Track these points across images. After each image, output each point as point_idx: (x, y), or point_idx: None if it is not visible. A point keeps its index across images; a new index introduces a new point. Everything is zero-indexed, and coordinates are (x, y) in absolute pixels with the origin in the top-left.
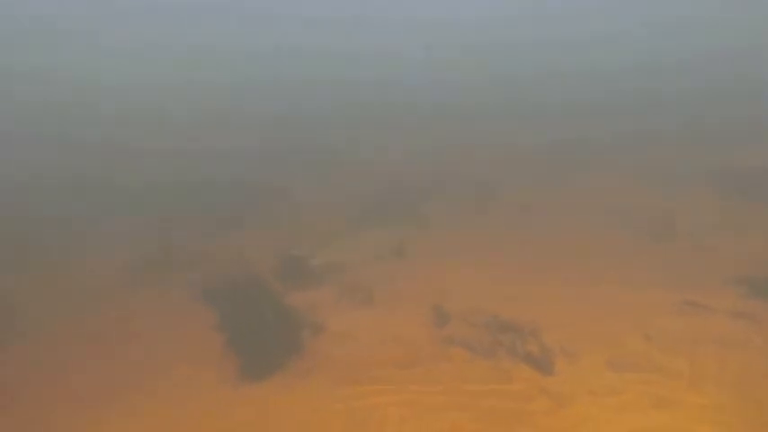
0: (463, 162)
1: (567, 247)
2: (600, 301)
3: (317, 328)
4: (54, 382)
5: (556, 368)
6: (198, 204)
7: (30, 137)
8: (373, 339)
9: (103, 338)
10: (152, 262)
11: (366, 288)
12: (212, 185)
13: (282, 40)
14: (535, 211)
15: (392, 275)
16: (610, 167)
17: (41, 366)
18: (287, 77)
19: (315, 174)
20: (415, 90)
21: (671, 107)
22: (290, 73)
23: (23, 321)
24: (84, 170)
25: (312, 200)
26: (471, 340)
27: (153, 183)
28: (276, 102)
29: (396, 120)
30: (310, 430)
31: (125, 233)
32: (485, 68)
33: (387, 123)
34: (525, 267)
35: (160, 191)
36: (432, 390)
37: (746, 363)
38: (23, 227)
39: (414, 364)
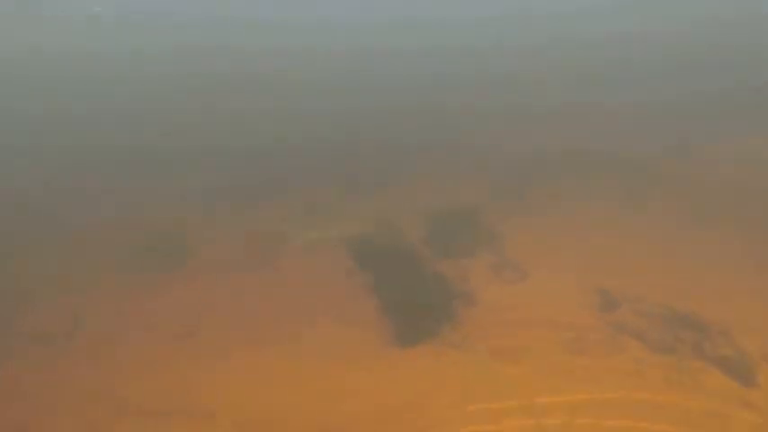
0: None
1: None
2: None
3: (471, 300)
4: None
5: (758, 379)
6: (341, 164)
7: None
8: (532, 318)
9: (258, 287)
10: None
11: (523, 262)
12: (356, 146)
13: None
14: (705, 184)
15: (551, 249)
16: None
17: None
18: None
19: (454, 138)
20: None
21: None
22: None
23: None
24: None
25: (452, 167)
26: (645, 332)
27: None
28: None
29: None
30: (459, 399)
31: (278, 190)
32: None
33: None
34: (703, 253)
35: (306, 151)
36: (606, 387)
37: None
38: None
39: (581, 352)
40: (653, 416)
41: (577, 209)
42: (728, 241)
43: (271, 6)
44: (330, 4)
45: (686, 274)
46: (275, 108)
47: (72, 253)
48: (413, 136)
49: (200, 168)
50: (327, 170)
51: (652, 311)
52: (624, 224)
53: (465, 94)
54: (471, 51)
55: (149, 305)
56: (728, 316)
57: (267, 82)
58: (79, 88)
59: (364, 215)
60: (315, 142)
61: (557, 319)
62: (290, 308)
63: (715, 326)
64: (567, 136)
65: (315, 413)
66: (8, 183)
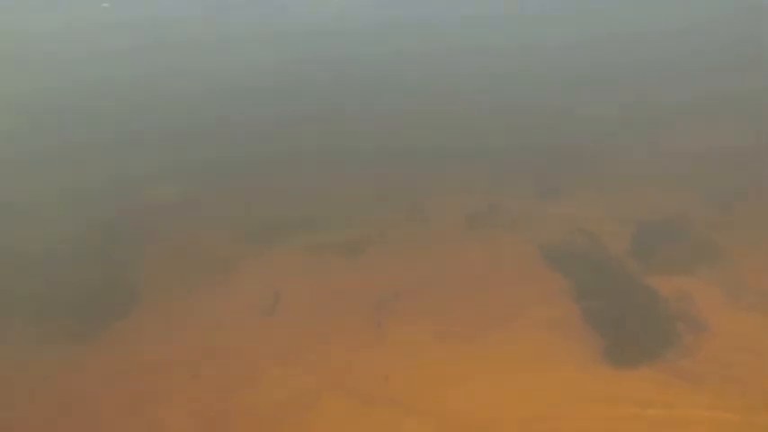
0: None
1: None
2: None
3: (697, 325)
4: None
5: None
6: (522, 166)
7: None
8: None
9: (448, 281)
10: (478, 217)
11: (756, 283)
12: (529, 150)
13: None
14: None
15: None
16: None
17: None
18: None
19: (638, 141)
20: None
21: None
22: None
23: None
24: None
25: (639, 169)
26: None
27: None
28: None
29: None
30: None
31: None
32: None
33: None
34: None
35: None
36: None
37: None
38: None
39: None
40: None
41: None
42: None
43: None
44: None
45: None
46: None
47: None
48: (598, 136)
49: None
50: (515, 170)
51: None
52: None
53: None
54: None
55: (337, 286)
56: None
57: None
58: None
59: (557, 218)
60: (507, 142)
61: None
62: (485, 305)
63: None
64: None
65: (518, 421)
66: None
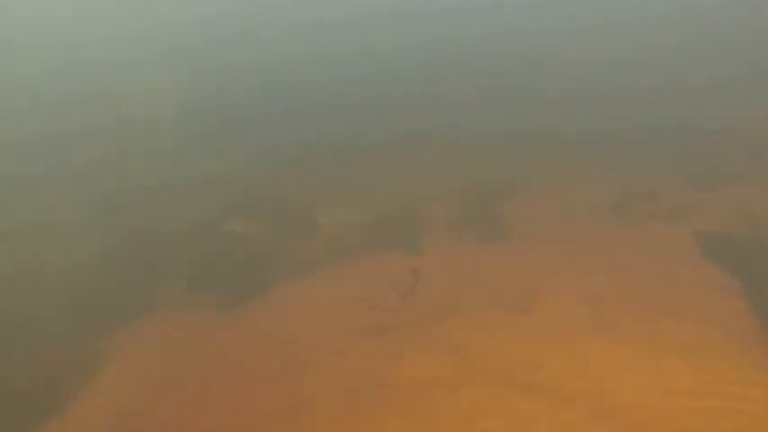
0: None
1: None
2: None
3: None
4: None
5: None
6: (671, 149)
7: None
8: None
9: (597, 268)
10: (628, 203)
11: None
12: (687, 131)
13: None
14: None
15: None
16: None
17: None
18: None
19: None
20: None
21: None
22: None
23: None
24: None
25: None
26: None
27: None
28: None
29: None
30: None
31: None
32: None
33: None
34: None
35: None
36: None
37: None
38: None
39: None
40: None
41: None
42: None
43: None
44: None
45: None
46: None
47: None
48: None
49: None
50: (669, 158)
51: None
52: None
53: None
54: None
55: (483, 272)
56: None
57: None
58: None
59: (714, 205)
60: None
61: None
62: (639, 295)
63: None
64: None
65: (676, 419)
66: None
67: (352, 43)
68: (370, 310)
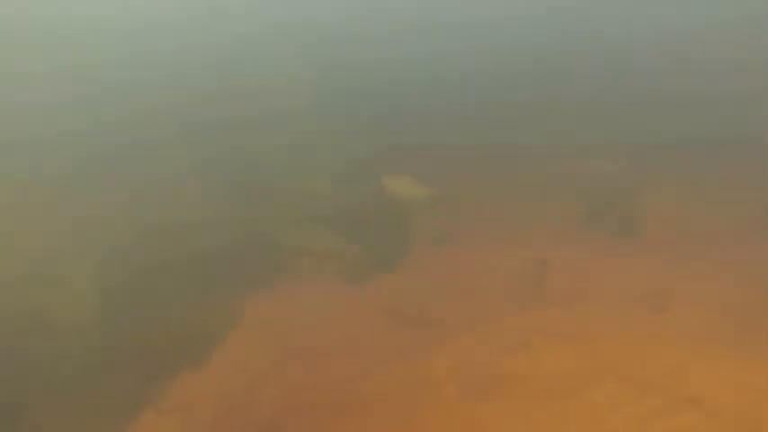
0: None
1: None
2: None
3: None
4: None
5: None
6: None
7: None
8: None
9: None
10: None
11: None
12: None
13: None
14: None
15: None
16: None
17: None
18: None
19: None
20: None
21: None
22: None
23: None
24: None
25: None
26: None
27: None
28: None
29: None
30: None
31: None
32: None
33: None
34: None
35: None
36: None
37: None
38: None
39: None
40: None
41: None
42: None
43: None
44: None
45: None
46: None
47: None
48: None
49: None
50: None
51: None
52: None
53: None
54: None
55: (614, 269)
56: None
57: None
58: None
59: None
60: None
61: None
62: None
63: None
64: None
65: None
66: None
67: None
68: (498, 297)
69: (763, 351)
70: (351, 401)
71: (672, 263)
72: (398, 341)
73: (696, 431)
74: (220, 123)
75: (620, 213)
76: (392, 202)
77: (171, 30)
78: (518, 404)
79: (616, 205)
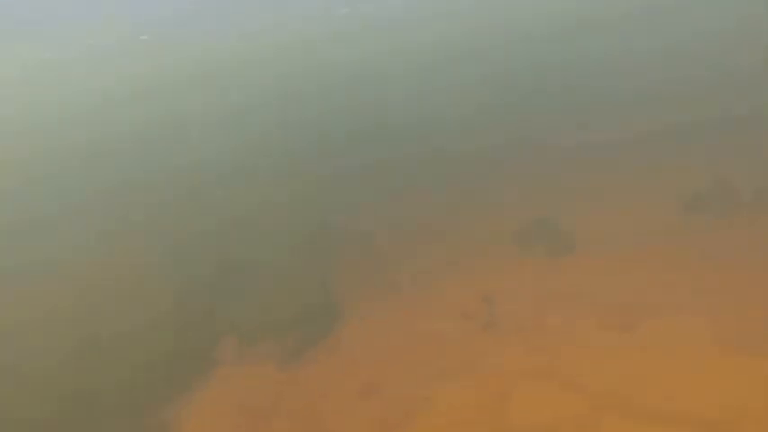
0: None
1: None
2: None
3: None
4: None
5: None
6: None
7: None
8: None
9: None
10: None
11: None
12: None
13: None
14: None
15: None
16: None
17: None
18: None
19: None
20: None
21: None
22: None
23: None
24: None
25: None
26: None
27: None
28: None
29: None
30: None
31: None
32: None
33: None
34: None
35: None
36: None
37: None
38: None
39: None
40: None
41: None
42: None
43: None
44: None
45: None
46: None
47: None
48: None
49: None
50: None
51: None
52: None
53: None
54: None
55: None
56: None
57: None
58: None
59: None
60: None
61: None
62: (756, 299)
63: None
64: None
65: None
66: None
67: None
68: (447, 347)
69: (747, 349)
70: None
71: (618, 273)
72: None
73: None
74: None
75: (549, 234)
76: None
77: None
78: None
79: (543, 227)
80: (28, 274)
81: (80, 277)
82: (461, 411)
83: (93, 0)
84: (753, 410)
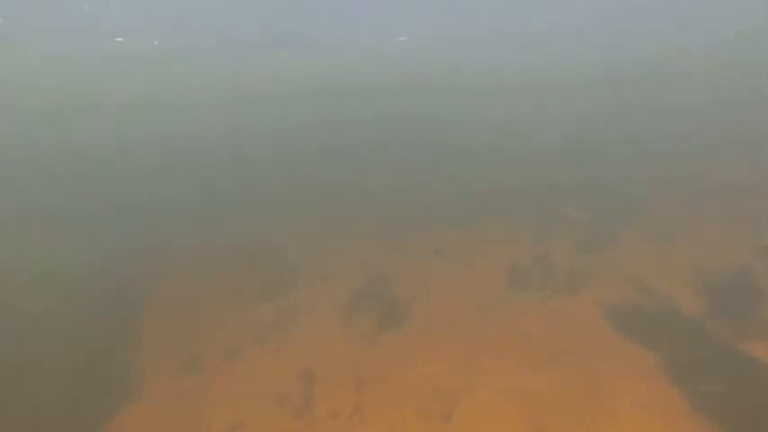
0: None
1: None
2: None
3: None
4: None
5: None
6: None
7: None
8: None
9: None
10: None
11: None
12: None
13: None
14: None
15: None
16: None
17: None
18: None
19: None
20: None
21: None
22: None
23: None
24: None
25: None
26: None
27: None
28: None
29: None
30: None
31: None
32: None
33: None
34: None
35: None
36: None
37: None
38: None
39: None
40: None
41: None
42: None
43: None
44: None
45: None
46: None
47: None
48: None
49: None
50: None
51: None
52: None
53: None
54: None
55: (388, 374)
56: None
57: None
58: None
59: (605, 272)
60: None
61: None
62: (569, 387)
63: None
64: None
65: None
66: None
67: None
68: None
69: None
70: None
71: (441, 355)
72: None
73: None
74: None
75: (380, 305)
76: None
77: None
78: None
79: (372, 297)
80: None
81: None
82: None
83: None
84: None
